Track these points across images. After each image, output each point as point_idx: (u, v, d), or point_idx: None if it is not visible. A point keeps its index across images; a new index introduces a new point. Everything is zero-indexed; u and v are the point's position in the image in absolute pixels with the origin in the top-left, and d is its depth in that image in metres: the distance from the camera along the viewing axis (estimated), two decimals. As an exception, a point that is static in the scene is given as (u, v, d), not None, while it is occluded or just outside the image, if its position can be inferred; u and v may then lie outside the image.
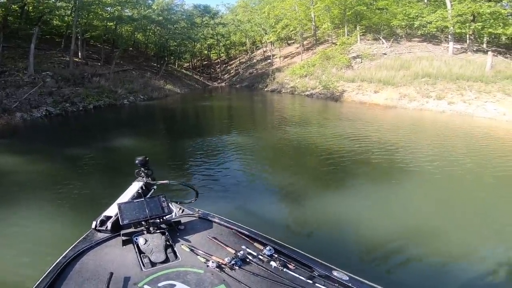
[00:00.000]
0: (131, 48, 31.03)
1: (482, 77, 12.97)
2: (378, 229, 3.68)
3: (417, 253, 3.25)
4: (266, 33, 31.36)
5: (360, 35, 22.09)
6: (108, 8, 21.92)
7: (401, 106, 13.79)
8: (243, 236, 1.90)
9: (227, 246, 1.79)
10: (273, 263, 1.63)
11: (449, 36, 17.79)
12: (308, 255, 1.73)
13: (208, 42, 39.53)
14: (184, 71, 36.93)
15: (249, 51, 40.18)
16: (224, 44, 41.13)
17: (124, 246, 1.80)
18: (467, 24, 16.35)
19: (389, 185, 5.13)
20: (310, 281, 1.50)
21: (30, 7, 17.84)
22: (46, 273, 1.57)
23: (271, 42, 31.76)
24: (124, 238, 1.83)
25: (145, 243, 1.78)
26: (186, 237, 1.90)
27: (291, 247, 1.80)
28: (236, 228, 1.97)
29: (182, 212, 2.24)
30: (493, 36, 18.55)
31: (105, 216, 1.99)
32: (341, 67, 19.00)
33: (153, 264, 1.66)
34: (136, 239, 1.82)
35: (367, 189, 4.98)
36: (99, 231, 1.92)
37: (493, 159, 6.40)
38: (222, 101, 21.03)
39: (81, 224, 2.63)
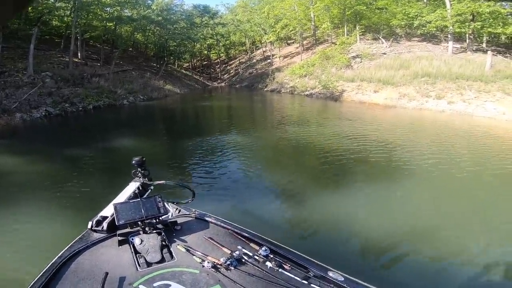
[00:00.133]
0: (130, 49, 31.03)
1: (482, 76, 12.96)
2: (375, 228, 3.68)
3: (414, 252, 3.24)
4: (265, 33, 31.37)
5: (360, 35, 22.08)
6: (108, 9, 21.91)
7: (400, 105, 13.78)
8: (239, 237, 1.90)
9: (223, 246, 1.79)
10: (268, 264, 1.63)
11: (449, 36, 17.78)
12: (304, 256, 1.73)
13: (208, 42, 39.53)
14: (184, 71, 36.93)
15: (249, 51, 40.17)
16: (224, 44, 41.14)
17: (120, 246, 1.80)
18: (467, 24, 16.33)
19: (387, 184, 5.13)
20: (306, 282, 1.50)
21: (30, 8, 17.84)
22: (42, 273, 1.58)
23: (270, 42, 31.76)
24: (120, 238, 1.83)
25: (141, 243, 1.78)
26: (182, 237, 1.90)
27: (287, 247, 1.80)
28: (232, 228, 1.98)
29: (178, 212, 2.24)
30: (492, 36, 18.53)
31: (101, 216, 2.00)
32: (341, 66, 18.99)
33: (148, 264, 1.67)
34: (132, 239, 1.82)
35: (365, 188, 4.97)
36: (95, 231, 1.92)
37: (492, 158, 6.40)
38: (221, 101, 21.04)
39: (81, 224, 2.63)
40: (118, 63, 22.47)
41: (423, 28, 18.94)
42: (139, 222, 1.89)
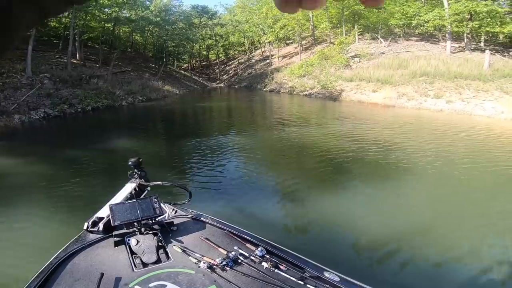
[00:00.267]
0: (129, 50, 31.00)
1: (480, 75, 12.99)
2: (372, 228, 3.68)
3: (411, 252, 3.24)
4: (264, 33, 31.36)
5: (358, 35, 22.11)
6: (106, 10, 21.87)
7: (399, 105, 13.80)
8: (236, 237, 1.90)
9: (219, 247, 1.79)
10: (264, 264, 1.63)
11: (447, 35, 17.81)
12: (300, 256, 1.73)
13: (207, 43, 39.49)
14: (183, 72, 36.91)
15: (248, 51, 40.16)
16: (223, 44, 41.10)
17: (116, 247, 1.80)
18: (464, 23, 16.36)
19: (384, 183, 5.13)
20: (301, 282, 1.50)
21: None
22: (37, 273, 1.57)
23: (269, 42, 31.77)
24: (116, 239, 1.83)
25: (137, 244, 1.78)
26: (178, 238, 1.90)
27: (283, 247, 1.80)
28: (228, 229, 1.98)
29: (175, 213, 2.24)
30: (490, 35, 18.56)
31: (97, 217, 2.00)
32: (340, 66, 19.01)
33: (144, 264, 1.66)
34: (128, 240, 1.82)
35: (362, 188, 4.98)
36: (91, 232, 1.92)
37: (491, 156, 6.41)
38: (220, 101, 21.04)
39: (77, 224, 2.63)
40: (117, 64, 22.45)
41: (421, 28, 18.97)
42: (135, 223, 1.89)
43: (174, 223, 2.04)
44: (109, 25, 23.40)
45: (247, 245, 1.82)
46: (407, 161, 6.16)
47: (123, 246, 1.80)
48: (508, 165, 5.86)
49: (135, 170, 2.36)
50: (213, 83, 35.41)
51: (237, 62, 39.27)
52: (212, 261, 1.62)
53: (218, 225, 2.03)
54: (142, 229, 1.88)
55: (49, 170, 6.01)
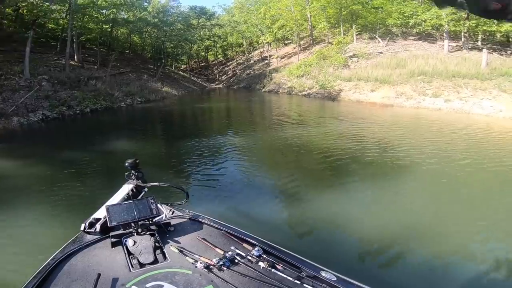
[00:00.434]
0: (127, 51, 30.98)
1: (478, 74, 13.03)
2: (370, 227, 3.68)
3: (409, 251, 3.24)
4: (262, 34, 31.39)
5: (356, 34, 22.16)
6: (103, 11, 21.85)
7: (398, 104, 13.83)
8: (233, 237, 1.91)
9: (216, 247, 1.79)
10: (261, 264, 1.63)
11: (444, 34, 17.86)
12: (297, 256, 1.73)
13: (205, 44, 39.52)
14: (181, 73, 36.91)
15: (246, 52, 40.18)
16: (221, 45, 41.13)
17: (113, 248, 1.80)
18: (462, 22, 16.42)
19: (383, 182, 5.13)
20: (298, 282, 1.50)
21: (25, 11, 17.79)
22: (34, 274, 1.58)
23: (268, 42, 31.81)
24: (113, 240, 1.83)
25: (134, 244, 1.78)
26: (175, 239, 1.90)
27: (280, 247, 1.80)
28: (225, 229, 1.98)
29: (172, 213, 2.25)
30: (487, 34, 18.61)
31: (94, 218, 2.00)
32: (338, 66, 19.04)
33: (141, 265, 1.67)
34: (125, 240, 1.82)
35: (361, 187, 4.99)
36: (88, 233, 1.92)
37: (490, 155, 6.42)
38: (219, 102, 21.04)
39: (75, 226, 2.63)
40: (115, 66, 22.43)
41: (419, 27, 19.04)
42: (132, 224, 1.89)
43: (171, 223, 2.04)
44: (107, 26, 23.39)
45: (244, 245, 1.82)
46: (405, 160, 6.17)
47: (120, 247, 1.80)
48: (506, 163, 5.88)
49: (132, 172, 2.36)
50: (211, 84, 35.41)
51: (235, 63, 39.29)
52: (209, 261, 1.62)
53: (215, 225, 2.04)
54: (139, 230, 1.88)
55: (48, 172, 6.00)
